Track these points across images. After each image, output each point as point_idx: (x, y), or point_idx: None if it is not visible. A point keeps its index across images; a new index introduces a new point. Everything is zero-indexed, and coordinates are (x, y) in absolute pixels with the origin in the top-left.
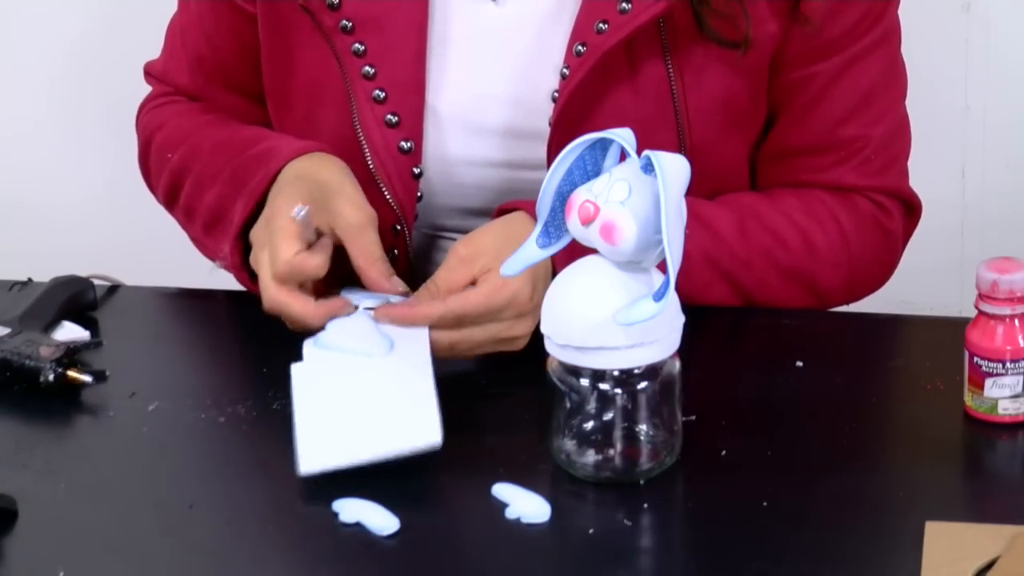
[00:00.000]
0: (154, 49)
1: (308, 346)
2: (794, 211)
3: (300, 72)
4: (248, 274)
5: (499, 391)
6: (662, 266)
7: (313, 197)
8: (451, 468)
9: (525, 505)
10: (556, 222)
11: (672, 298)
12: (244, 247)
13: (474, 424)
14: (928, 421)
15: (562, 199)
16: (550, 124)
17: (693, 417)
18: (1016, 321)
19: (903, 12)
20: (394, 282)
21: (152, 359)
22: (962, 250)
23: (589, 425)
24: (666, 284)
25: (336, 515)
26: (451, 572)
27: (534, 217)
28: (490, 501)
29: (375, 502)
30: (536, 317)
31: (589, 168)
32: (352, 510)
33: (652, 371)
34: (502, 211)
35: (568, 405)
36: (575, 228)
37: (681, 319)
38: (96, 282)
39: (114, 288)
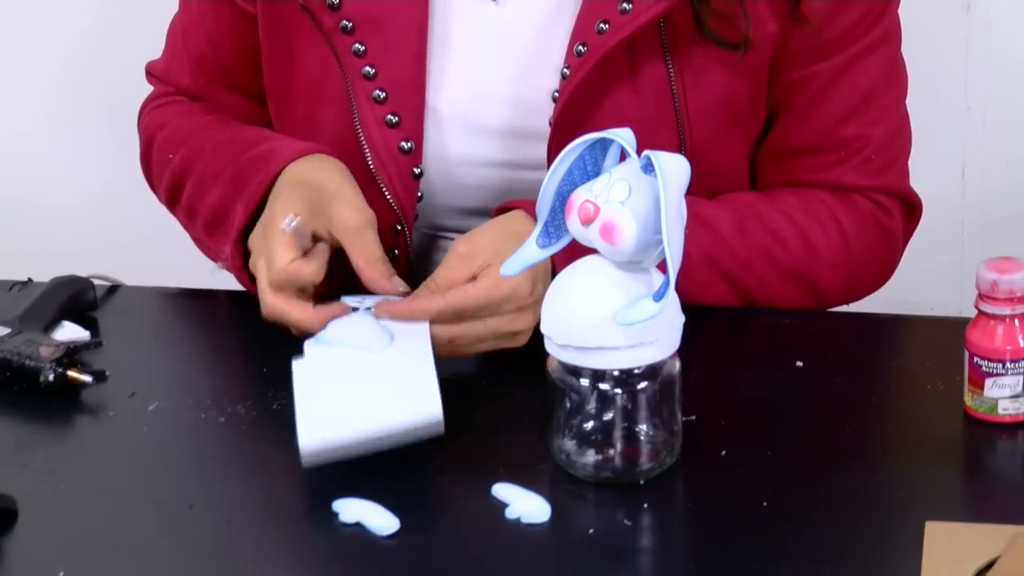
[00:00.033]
0: (154, 49)
1: (309, 344)
2: (794, 211)
3: (300, 72)
4: (249, 276)
5: (499, 391)
6: (662, 266)
7: (310, 202)
8: (451, 468)
9: (525, 505)
10: (556, 222)
11: (672, 298)
12: (245, 249)
13: (474, 424)
14: (928, 421)
15: (562, 199)
16: (550, 124)
17: (693, 417)
18: (1016, 321)
19: (903, 12)
20: (394, 282)
21: (152, 359)
22: (962, 250)
23: (589, 425)
24: (666, 284)
25: (336, 515)
26: (451, 572)
27: (533, 215)
28: (490, 501)
29: (375, 502)
30: (537, 312)
31: (589, 168)
32: (352, 510)
33: (652, 371)
34: (501, 210)
35: (568, 405)
36: (575, 228)
37: (681, 319)
38: (96, 282)
39: (114, 288)
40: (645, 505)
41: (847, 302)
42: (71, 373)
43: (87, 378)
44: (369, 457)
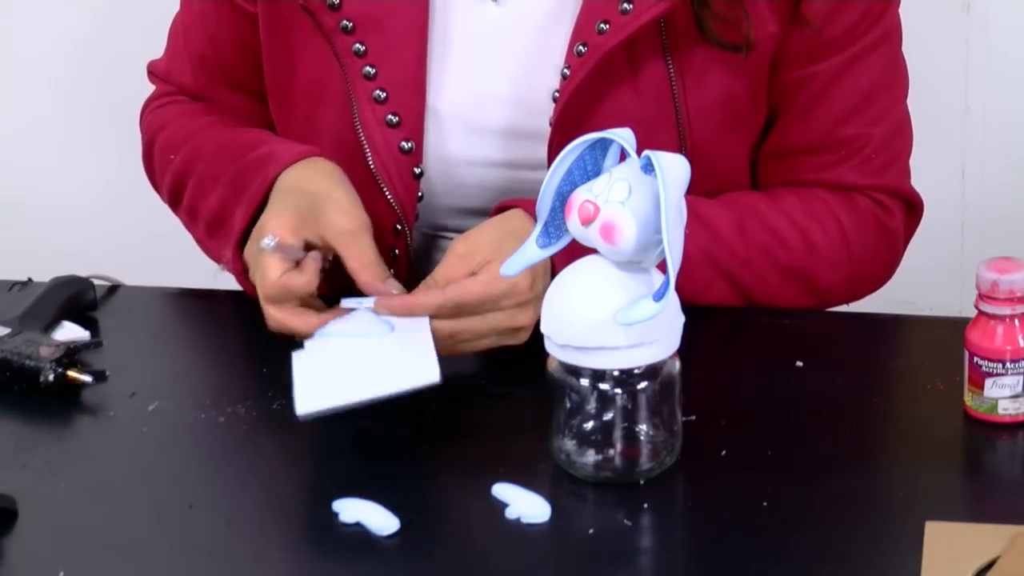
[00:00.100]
0: (156, 49)
1: (309, 342)
2: (794, 210)
3: (301, 72)
4: (250, 280)
5: (499, 391)
6: (662, 266)
7: (300, 210)
8: (451, 468)
9: (525, 505)
10: (556, 222)
11: (672, 298)
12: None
13: (474, 424)
14: (928, 421)
15: (562, 199)
16: (551, 124)
17: (693, 417)
18: (1016, 321)
19: (903, 12)
20: (390, 284)
21: (152, 359)
22: (962, 250)
23: (589, 425)
24: (666, 284)
25: (336, 515)
26: (451, 572)
27: (532, 214)
28: (490, 501)
29: (375, 502)
30: (537, 308)
31: (589, 168)
32: (352, 510)
33: (652, 371)
34: (500, 209)
35: (568, 405)
36: (575, 228)
37: (681, 319)
38: (96, 282)
39: (114, 288)
40: (645, 505)
41: (848, 301)
42: (71, 373)
43: (87, 378)
44: (369, 457)
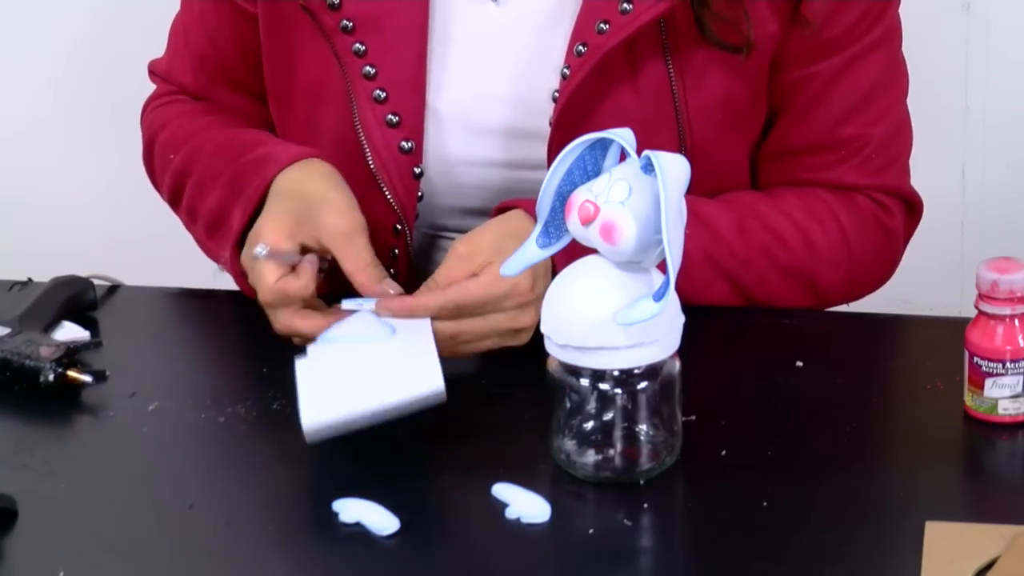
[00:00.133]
0: (156, 49)
1: (312, 346)
2: (794, 210)
3: (301, 72)
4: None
5: (499, 391)
6: (662, 266)
7: (295, 214)
8: (451, 468)
9: (525, 505)
10: (556, 222)
11: (672, 298)
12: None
13: (474, 424)
14: (928, 421)
15: (562, 199)
16: (550, 124)
17: (693, 417)
18: (1016, 321)
19: (903, 12)
20: (386, 285)
21: (152, 359)
22: (962, 250)
23: (589, 425)
24: (666, 284)
25: (336, 515)
26: (451, 572)
27: (532, 214)
28: (490, 501)
29: (375, 502)
30: (538, 309)
31: (589, 168)
32: (352, 510)
33: (652, 371)
34: (500, 209)
35: (568, 405)
36: (575, 228)
37: (681, 319)
38: (96, 282)
39: (114, 288)
40: (645, 505)
41: (847, 301)
42: (71, 373)
43: (87, 378)
44: (369, 457)
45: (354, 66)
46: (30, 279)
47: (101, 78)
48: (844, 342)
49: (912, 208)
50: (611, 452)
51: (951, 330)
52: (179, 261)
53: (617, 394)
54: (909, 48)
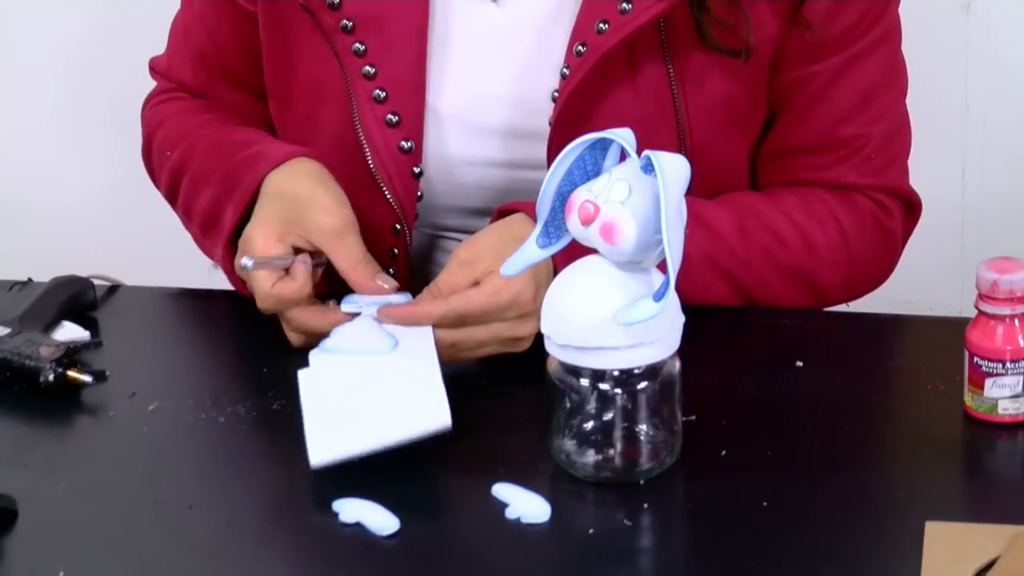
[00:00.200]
0: (156, 49)
1: (314, 354)
2: (794, 210)
3: (301, 71)
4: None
5: (499, 391)
6: (662, 266)
7: (282, 216)
8: (451, 468)
9: (525, 505)
10: (556, 222)
11: (672, 298)
12: (236, 252)
13: (474, 424)
14: (928, 421)
15: (562, 199)
16: (550, 124)
17: (693, 417)
18: (1016, 321)
19: (903, 12)
20: (380, 280)
21: (152, 359)
22: (962, 250)
23: (589, 425)
24: (666, 284)
25: (336, 515)
26: (451, 572)
27: (534, 218)
28: (490, 501)
29: (375, 502)
30: (540, 318)
31: (589, 168)
32: (352, 510)
33: (652, 371)
34: (502, 212)
35: (568, 405)
36: (575, 228)
37: (681, 319)
38: (96, 282)
39: (114, 288)
40: (645, 505)
41: (846, 301)
42: (71, 373)
43: (87, 378)
44: (370, 458)
45: (354, 66)
46: (30, 279)
47: (101, 78)
48: (844, 342)
49: (911, 208)
50: (611, 452)
51: (951, 330)
52: (179, 261)
53: (617, 394)
54: (909, 48)
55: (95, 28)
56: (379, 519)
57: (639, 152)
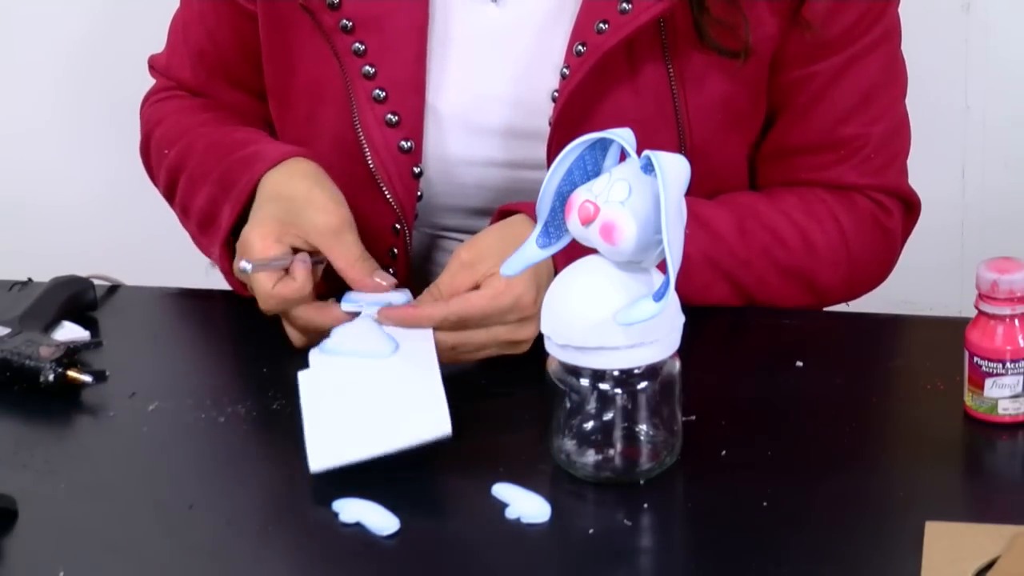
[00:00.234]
0: (157, 49)
1: (314, 354)
2: (793, 210)
3: (301, 71)
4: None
5: (499, 391)
6: (662, 266)
7: (278, 218)
8: (451, 468)
9: (525, 505)
10: (556, 222)
11: (672, 298)
12: (233, 252)
13: (474, 424)
14: (928, 421)
15: (562, 199)
16: (550, 124)
17: (693, 417)
18: (1016, 321)
19: (903, 12)
20: (378, 278)
21: (152, 359)
22: (962, 250)
23: (589, 425)
24: (666, 284)
25: (336, 515)
26: (451, 572)
27: (535, 219)
28: (490, 501)
29: (375, 502)
30: (540, 322)
31: (589, 168)
32: (352, 510)
33: (652, 371)
34: (503, 212)
35: (568, 405)
36: (575, 228)
37: (681, 319)
38: (96, 282)
39: (114, 288)
40: (645, 505)
41: (846, 300)
42: (71, 373)
43: (87, 378)
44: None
45: (353, 66)
46: (30, 279)
47: (101, 78)
48: (844, 342)
49: (910, 208)
50: (611, 452)
51: (951, 330)
52: (179, 261)
53: (617, 394)
54: (909, 48)
55: (95, 28)
56: (379, 519)
57: (639, 152)
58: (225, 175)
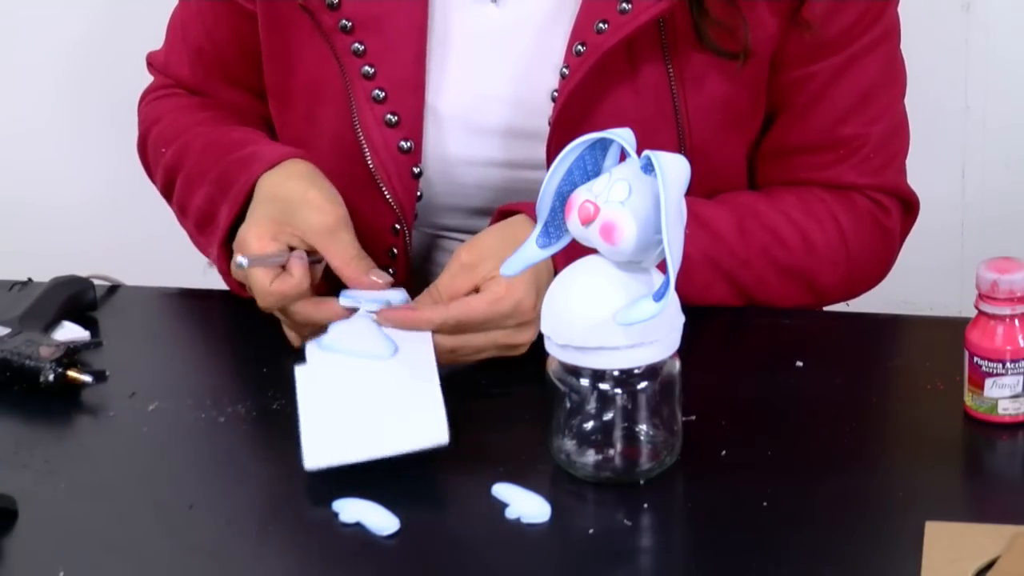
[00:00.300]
0: (156, 49)
1: (311, 348)
2: (793, 210)
3: (300, 71)
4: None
5: (499, 391)
6: (662, 266)
7: (273, 218)
8: (451, 468)
9: (525, 505)
10: (556, 222)
11: (672, 298)
12: (231, 252)
13: (474, 424)
14: (928, 421)
15: (562, 199)
16: (550, 124)
17: (693, 417)
18: (1016, 321)
19: (903, 12)
20: (374, 276)
21: (152, 359)
22: (962, 250)
23: (589, 425)
24: (666, 284)
25: (336, 515)
26: (451, 572)
27: (535, 219)
28: (490, 501)
29: (375, 502)
30: (539, 325)
31: (589, 168)
32: (352, 510)
33: (652, 371)
34: (503, 212)
35: (568, 405)
36: (575, 228)
37: (681, 319)
38: (96, 282)
39: (114, 288)
40: (645, 505)
41: (845, 299)
42: (71, 373)
43: (87, 378)
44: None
45: (353, 66)
46: (30, 279)
47: (101, 78)
48: (844, 342)
49: (909, 207)
50: (611, 452)
51: (951, 330)
52: (179, 261)
53: (617, 394)
54: (909, 48)
55: (95, 28)
56: (379, 519)
57: (639, 152)
58: (223, 175)
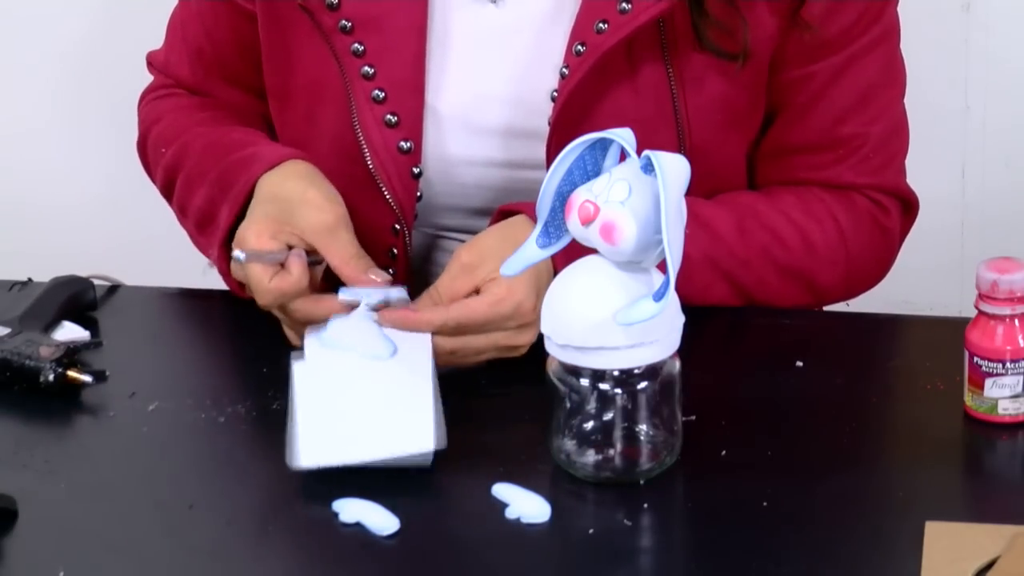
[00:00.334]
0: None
1: (310, 342)
2: (792, 209)
3: (300, 71)
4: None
5: (499, 390)
6: (662, 266)
7: (272, 217)
8: (451, 468)
9: (525, 505)
10: (556, 222)
11: (672, 298)
12: (231, 252)
13: (474, 423)
14: (928, 421)
15: (562, 199)
16: (550, 124)
17: (693, 417)
18: (1016, 321)
19: (903, 12)
20: (373, 275)
21: (152, 359)
22: (962, 250)
23: (589, 425)
24: (666, 284)
25: (336, 515)
26: (451, 572)
27: (535, 219)
28: (490, 501)
29: (375, 502)
30: (539, 327)
31: (589, 168)
32: (352, 510)
33: (652, 371)
34: (503, 212)
35: (568, 405)
36: (575, 228)
37: (681, 319)
38: (96, 282)
39: (114, 288)
40: (645, 505)
41: (844, 299)
42: (71, 373)
43: (87, 378)
44: None
45: (353, 66)
46: (30, 279)
47: (101, 78)
48: (844, 342)
49: (908, 207)
50: (611, 452)
51: (951, 330)
52: (179, 261)
53: (617, 394)
54: (909, 48)
55: (95, 28)
56: (379, 519)
57: (639, 152)
58: (223, 176)
